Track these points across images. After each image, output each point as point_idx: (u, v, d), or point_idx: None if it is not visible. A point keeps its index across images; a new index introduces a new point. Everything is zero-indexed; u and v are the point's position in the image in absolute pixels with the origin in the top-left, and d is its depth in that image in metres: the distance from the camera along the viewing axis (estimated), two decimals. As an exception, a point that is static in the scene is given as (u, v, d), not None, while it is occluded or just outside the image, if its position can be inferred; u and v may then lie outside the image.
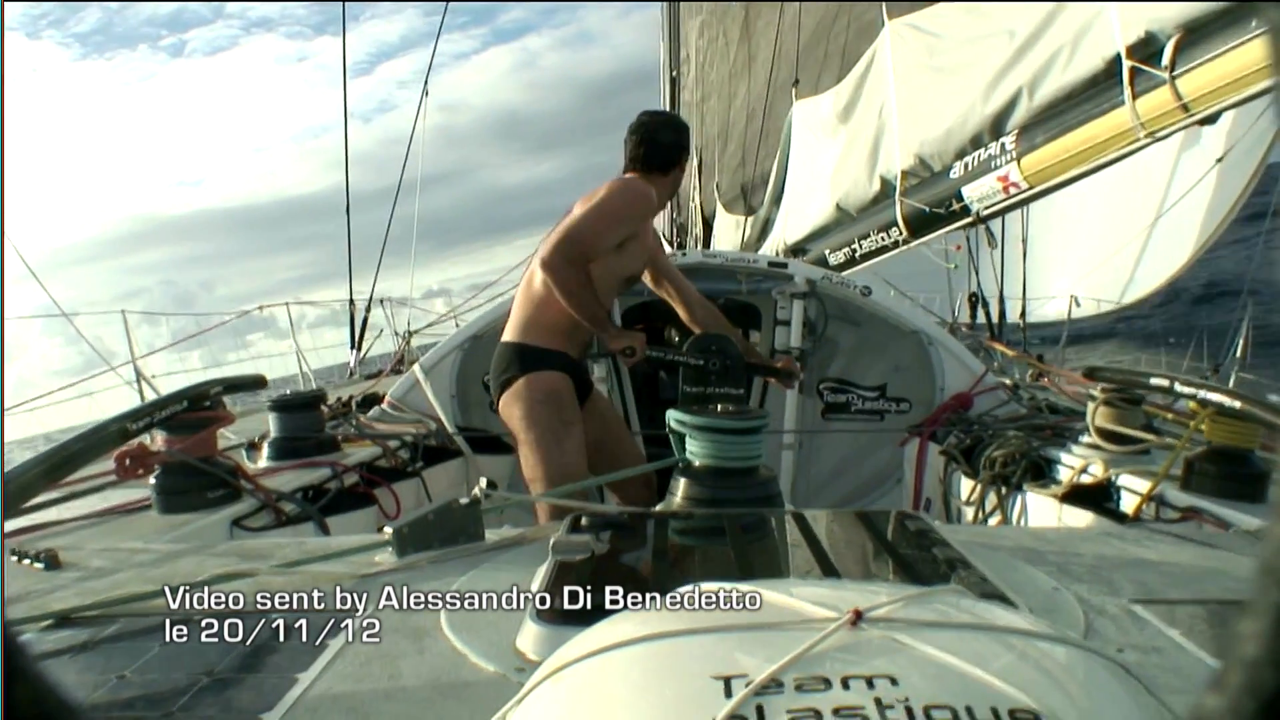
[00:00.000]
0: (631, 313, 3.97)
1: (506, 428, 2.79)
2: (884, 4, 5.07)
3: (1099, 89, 3.38)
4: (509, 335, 2.82)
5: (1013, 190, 3.93)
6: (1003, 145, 3.92)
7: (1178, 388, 2.22)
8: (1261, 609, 0.27)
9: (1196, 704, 0.28)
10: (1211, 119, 3.00)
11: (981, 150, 4.10)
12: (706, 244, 10.49)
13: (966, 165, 4.22)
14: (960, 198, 4.27)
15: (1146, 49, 3.07)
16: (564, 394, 2.73)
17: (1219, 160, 6.29)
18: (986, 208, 4.19)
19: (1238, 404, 1.98)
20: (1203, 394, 2.10)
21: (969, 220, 4.39)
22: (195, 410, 2.36)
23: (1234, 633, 0.28)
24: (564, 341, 2.76)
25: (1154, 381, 2.35)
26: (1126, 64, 3.11)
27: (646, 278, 3.10)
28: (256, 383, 2.92)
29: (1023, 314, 6.82)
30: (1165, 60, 2.94)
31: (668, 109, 12.49)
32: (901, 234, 4.85)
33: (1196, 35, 2.87)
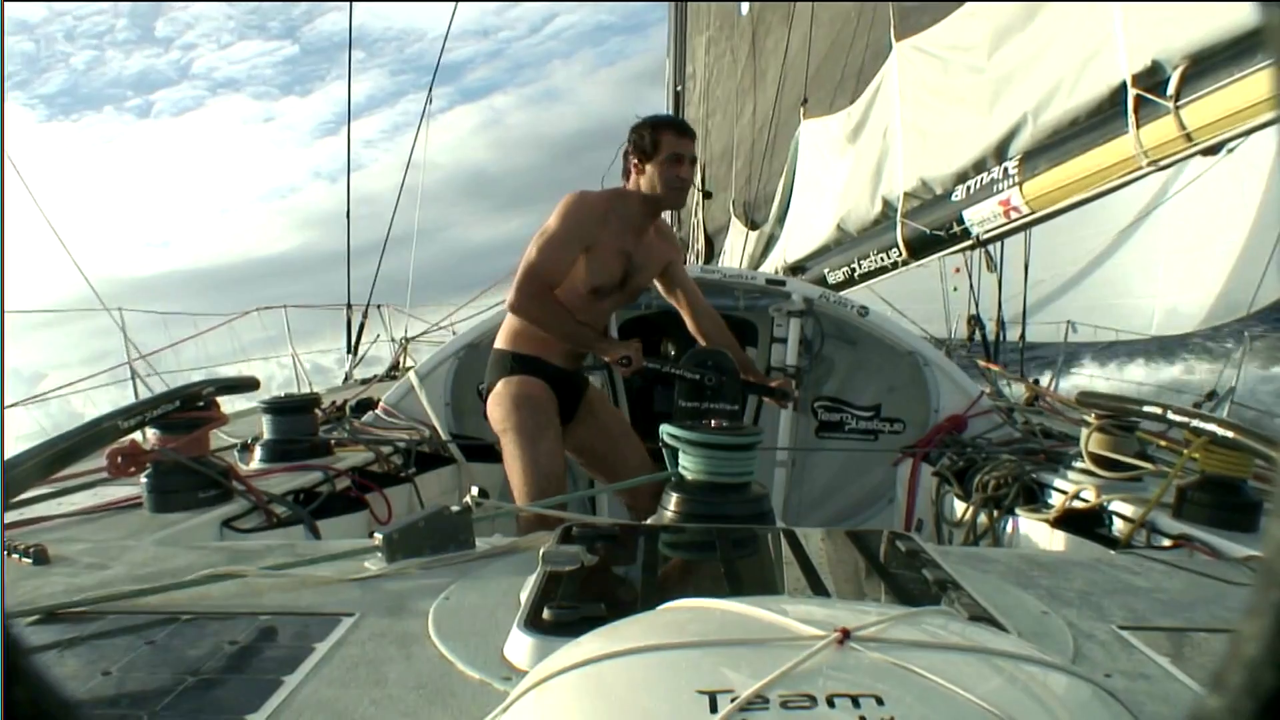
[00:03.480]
0: (628, 325, 3.97)
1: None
2: (891, 26, 5.09)
3: (1103, 116, 3.39)
4: (499, 342, 2.90)
5: (1014, 215, 3.94)
6: (1005, 170, 3.93)
7: (1170, 416, 2.22)
8: (1261, 609, 0.27)
9: (1197, 704, 0.28)
10: (1214, 149, 3.02)
11: (984, 174, 4.11)
12: (709, 260, 10.51)
13: (969, 189, 4.23)
14: (961, 221, 4.28)
15: (1152, 78, 3.08)
16: (540, 399, 2.78)
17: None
18: (987, 231, 4.20)
19: (1229, 433, 1.98)
20: (1195, 423, 2.10)
21: (969, 243, 4.40)
22: (189, 410, 2.36)
23: (1234, 633, 0.28)
24: (548, 349, 2.82)
25: (1146, 409, 2.36)
26: (1132, 92, 3.12)
27: (659, 285, 3.11)
28: (250, 384, 2.92)
29: (1022, 336, 6.83)
30: (1170, 90, 2.95)
31: None
32: (901, 255, 4.86)
33: (1202, 66, 2.88)
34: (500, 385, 2.79)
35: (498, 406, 2.79)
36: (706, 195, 10.65)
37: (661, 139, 2.76)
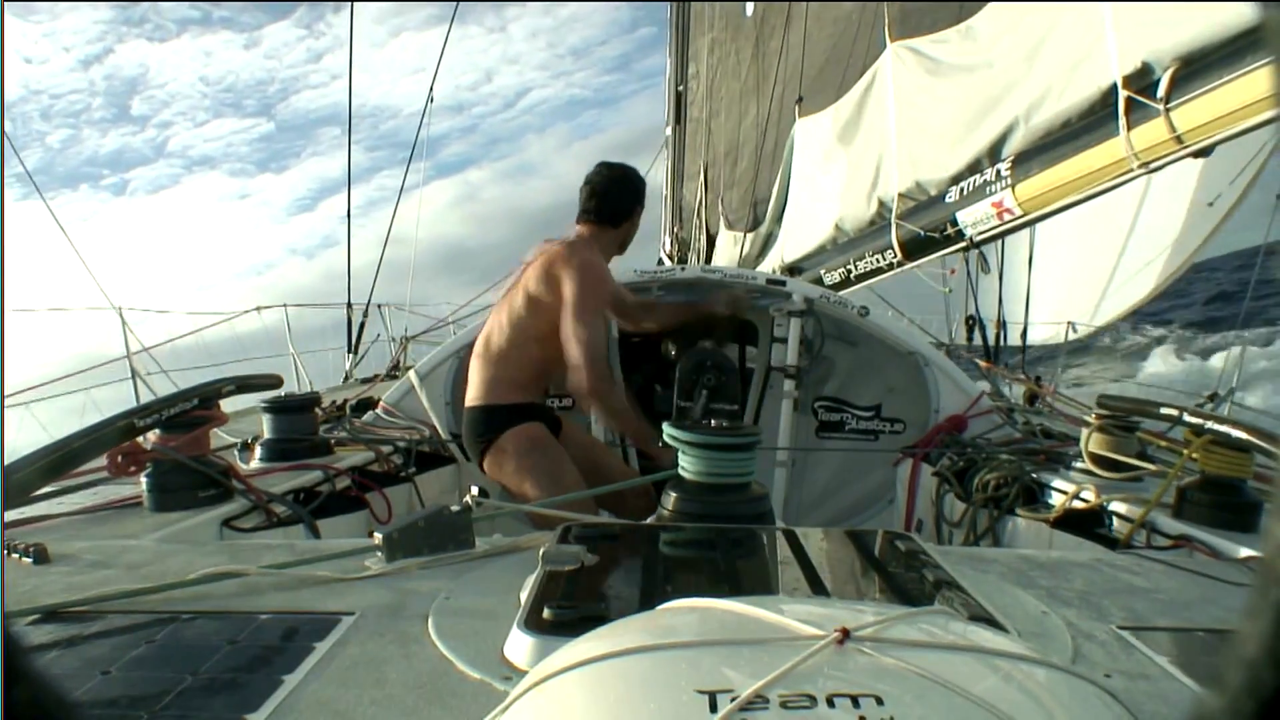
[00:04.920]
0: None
1: (500, 485, 2.88)
2: (886, 26, 5.10)
3: (1094, 118, 3.39)
4: (474, 399, 2.91)
5: (1007, 217, 3.95)
6: (998, 171, 3.94)
7: (1187, 418, 2.21)
8: (1261, 609, 0.27)
9: (1196, 703, 0.28)
10: (1205, 152, 3.01)
11: (977, 175, 4.12)
12: (709, 260, 10.51)
13: (962, 190, 4.24)
14: (955, 223, 4.29)
15: (1143, 80, 3.08)
16: (544, 439, 2.84)
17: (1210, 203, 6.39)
18: (980, 233, 4.20)
19: (1246, 435, 1.97)
20: (1211, 425, 2.09)
21: (963, 245, 4.40)
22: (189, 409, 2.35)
23: (1234, 633, 0.28)
24: (528, 393, 2.89)
25: (1164, 411, 2.35)
26: (1122, 94, 3.13)
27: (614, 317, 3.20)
28: (272, 382, 2.90)
29: (1023, 336, 6.84)
30: (1160, 92, 2.95)
31: (672, 124, 12.52)
32: (896, 257, 4.87)
33: (1193, 68, 2.88)
34: (502, 440, 2.81)
35: (507, 460, 2.80)
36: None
37: (642, 202, 2.98)
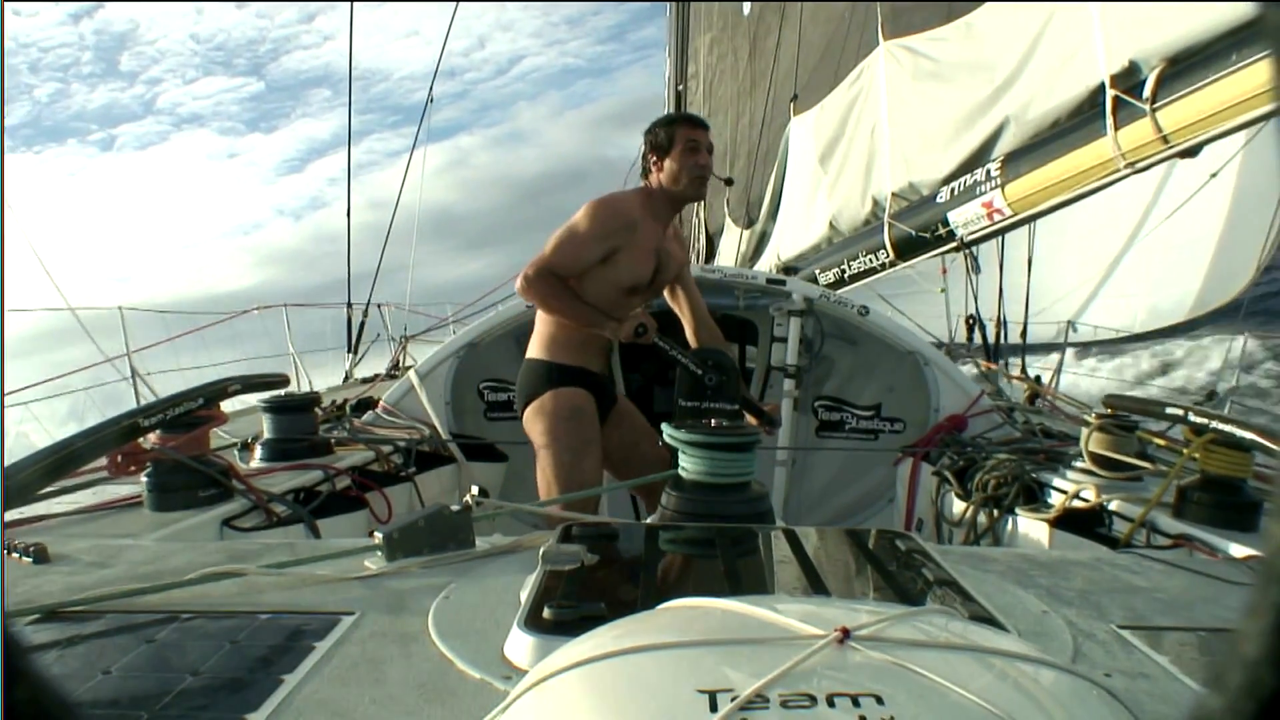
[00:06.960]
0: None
1: (529, 438, 2.85)
2: (879, 25, 5.11)
3: (1083, 118, 3.39)
4: (534, 352, 2.89)
5: (997, 217, 3.95)
6: (988, 171, 3.95)
7: (1192, 418, 2.21)
8: (1261, 609, 0.27)
9: (1196, 703, 0.28)
10: (1192, 152, 3.01)
11: (968, 176, 4.12)
12: (709, 259, 10.53)
13: (953, 190, 4.24)
14: (946, 223, 4.29)
15: (1130, 79, 3.08)
16: (586, 411, 2.80)
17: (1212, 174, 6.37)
18: (971, 233, 4.21)
19: (1249, 434, 1.97)
20: (1216, 424, 2.09)
21: (954, 245, 4.41)
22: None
23: (1234, 633, 0.28)
24: (586, 357, 2.85)
25: (1169, 411, 2.35)
26: (1110, 94, 3.13)
27: (665, 290, 3.12)
28: (278, 381, 2.89)
29: (1023, 335, 6.84)
30: (1147, 92, 2.96)
31: None
32: (889, 256, 4.89)
33: (1179, 67, 2.89)
34: (545, 398, 2.79)
35: (542, 418, 2.78)
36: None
37: (676, 132, 2.80)
